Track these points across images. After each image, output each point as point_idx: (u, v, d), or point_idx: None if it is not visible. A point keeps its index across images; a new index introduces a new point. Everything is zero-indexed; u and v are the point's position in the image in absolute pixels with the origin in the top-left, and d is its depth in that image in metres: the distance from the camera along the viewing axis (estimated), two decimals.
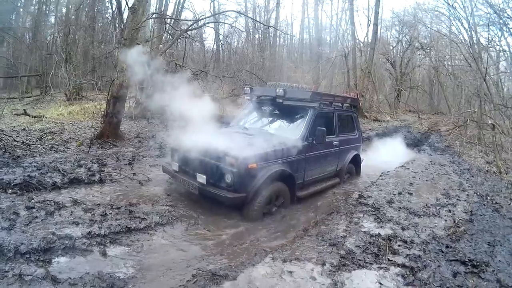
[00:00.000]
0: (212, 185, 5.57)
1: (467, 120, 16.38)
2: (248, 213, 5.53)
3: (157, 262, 4.08)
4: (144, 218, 5.05)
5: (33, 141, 9.31)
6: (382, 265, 4.09)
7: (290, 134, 6.59)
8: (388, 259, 4.26)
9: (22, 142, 8.98)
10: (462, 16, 17.74)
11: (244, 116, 7.73)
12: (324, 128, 6.41)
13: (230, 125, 7.34)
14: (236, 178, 5.24)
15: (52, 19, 26.69)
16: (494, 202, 7.24)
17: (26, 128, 11.03)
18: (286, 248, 4.43)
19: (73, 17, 21.08)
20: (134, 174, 7.43)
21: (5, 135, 9.30)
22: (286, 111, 7.14)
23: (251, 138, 6.08)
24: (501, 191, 8.27)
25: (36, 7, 25.19)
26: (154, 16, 18.17)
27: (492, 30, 16.62)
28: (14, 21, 23.70)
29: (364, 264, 4.09)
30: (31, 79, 21.95)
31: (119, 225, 4.73)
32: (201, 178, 5.64)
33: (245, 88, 7.74)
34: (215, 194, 5.38)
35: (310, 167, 6.77)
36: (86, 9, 22.30)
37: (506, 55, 18.76)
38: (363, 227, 5.18)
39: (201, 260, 4.13)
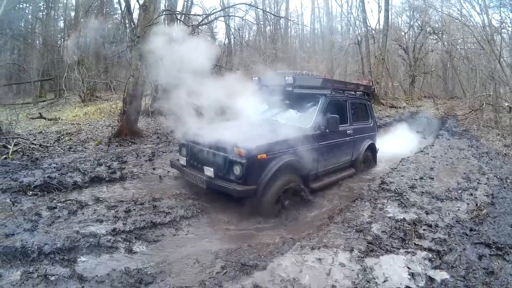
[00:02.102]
0: (220, 178, 5.31)
1: (483, 104, 16.21)
2: (259, 207, 5.25)
3: (185, 255, 4.06)
4: (169, 212, 5.05)
5: (50, 143, 9.43)
6: (409, 250, 4.09)
7: (302, 123, 6.38)
8: (415, 243, 4.26)
9: (40, 145, 9.08)
10: None
11: (254, 106, 7.26)
12: (337, 116, 6.24)
13: (239, 116, 6.94)
14: (245, 169, 4.97)
15: (61, 23, 26.96)
16: None
17: (43, 131, 11.18)
18: (313, 236, 4.43)
19: (82, 20, 21.21)
20: (155, 169, 7.45)
21: (22, 138, 9.38)
22: (296, 99, 6.86)
23: (260, 128, 5.90)
24: None
25: (44, 13, 25.42)
26: (165, 13, 18.15)
27: (503, 12, 16.28)
28: (23, 28, 23.93)
29: (392, 249, 4.09)
30: (44, 84, 22.21)
31: (144, 220, 4.73)
32: (209, 171, 5.39)
33: (253, 78, 7.47)
34: (224, 187, 5.12)
35: (323, 157, 6.54)
36: (95, 11, 22.44)
37: None
38: (387, 212, 5.17)
39: (229, 252, 4.10)
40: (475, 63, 19.56)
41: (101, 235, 4.28)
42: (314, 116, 6.39)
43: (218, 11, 17.66)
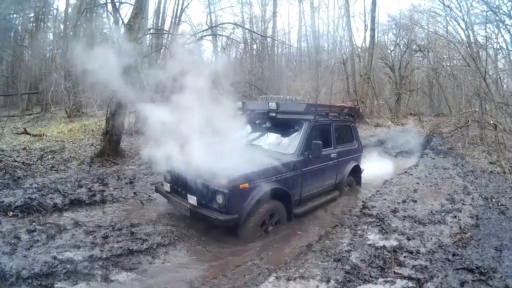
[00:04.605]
0: (203, 206, 5.31)
1: (468, 121, 16.30)
2: (242, 235, 5.29)
3: (160, 284, 4.03)
4: (146, 239, 4.98)
5: (33, 161, 9.32)
6: (388, 279, 4.05)
7: (285, 149, 6.43)
8: (394, 271, 4.22)
9: (23, 163, 8.98)
10: (458, 16, 17.58)
11: (237, 131, 7.13)
12: (320, 142, 6.19)
13: (223, 140, 6.65)
14: (228, 199, 4.97)
15: (51, 36, 26.86)
16: (499, 204, 7.19)
17: (27, 147, 11.08)
18: (290, 265, 4.38)
19: (71, 33, 21.14)
20: (135, 193, 7.36)
21: (5, 155, 9.31)
22: (280, 125, 6.96)
23: (243, 155, 5.79)
24: (506, 192, 8.18)
25: (33, 25, 25.31)
26: (150, 31, 18.14)
27: (489, 28, 16.35)
28: (12, 39, 23.80)
29: (370, 278, 4.05)
30: (32, 97, 22.06)
31: (121, 247, 4.67)
32: (192, 200, 5.41)
33: (237, 102, 7.44)
34: (207, 216, 5.11)
35: (307, 182, 6.51)
36: (84, 25, 22.36)
37: (504, 53, 18.61)
38: (367, 239, 5.14)
39: (204, 282, 4.06)
40: (461, 80, 19.71)
41: (78, 262, 4.23)
42: (297, 142, 6.40)
43: (204, 30, 17.71)
